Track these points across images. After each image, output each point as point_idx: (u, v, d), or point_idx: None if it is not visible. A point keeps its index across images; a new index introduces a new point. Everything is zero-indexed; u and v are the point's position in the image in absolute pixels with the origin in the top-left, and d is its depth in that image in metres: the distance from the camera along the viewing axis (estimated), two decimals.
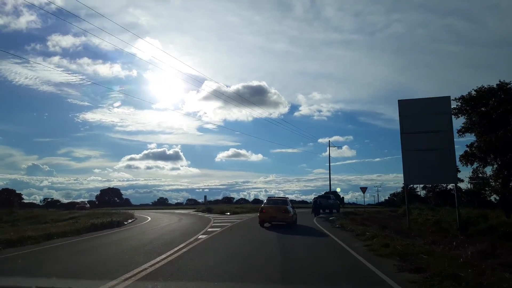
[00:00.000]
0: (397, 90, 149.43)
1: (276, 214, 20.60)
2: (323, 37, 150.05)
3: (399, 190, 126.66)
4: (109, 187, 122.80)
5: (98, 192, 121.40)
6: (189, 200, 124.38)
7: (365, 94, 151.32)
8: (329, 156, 58.15)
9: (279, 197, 25.22)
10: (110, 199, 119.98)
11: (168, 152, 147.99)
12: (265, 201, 22.76)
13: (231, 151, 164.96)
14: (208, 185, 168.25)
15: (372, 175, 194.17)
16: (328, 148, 59.68)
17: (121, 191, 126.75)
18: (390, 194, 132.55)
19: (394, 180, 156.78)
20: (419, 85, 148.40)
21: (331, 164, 58.62)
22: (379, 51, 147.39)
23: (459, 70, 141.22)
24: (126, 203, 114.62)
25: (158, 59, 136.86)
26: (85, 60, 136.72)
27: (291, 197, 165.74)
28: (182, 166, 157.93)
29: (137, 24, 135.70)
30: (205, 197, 35.30)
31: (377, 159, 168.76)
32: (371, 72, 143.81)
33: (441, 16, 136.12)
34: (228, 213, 34.65)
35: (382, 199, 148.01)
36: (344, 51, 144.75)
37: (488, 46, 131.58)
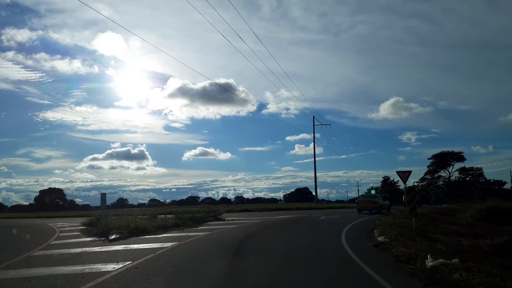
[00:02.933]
0: (362, 89, 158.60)
1: (366, 204, 30.46)
2: (290, 36, 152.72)
3: (376, 184, 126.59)
4: (49, 188, 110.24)
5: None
6: (151, 200, 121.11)
7: (331, 93, 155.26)
8: (314, 152, 48.49)
9: (368, 195, 37.19)
10: (53, 200, 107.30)
11: (133, 152, 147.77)
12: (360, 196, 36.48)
13: (198, 150, 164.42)
14: (175, 185, 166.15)
15: (338, 172, 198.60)
16: (313, 144, 49.91)
17: (82, 192, 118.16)
18: (368, 189, 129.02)
19: (360, 176, 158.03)
20: (383, 85, 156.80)
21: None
22: (344, 51, 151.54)
23: (421, 71, 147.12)
24: (71, 205, 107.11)
25: (122, 57, 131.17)
26: (43, 55, 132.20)
27: (260, 194, 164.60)
28: (148, 165, 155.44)
29: (100, 20, 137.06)
30: (103, 196, 18.37)
31: (343, 156, 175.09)
32: (337, 71, 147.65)
33: (403, 18, 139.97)
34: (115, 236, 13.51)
35: (350, 195, 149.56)
36: (310, 50, 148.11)
37: (448, 47, 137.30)
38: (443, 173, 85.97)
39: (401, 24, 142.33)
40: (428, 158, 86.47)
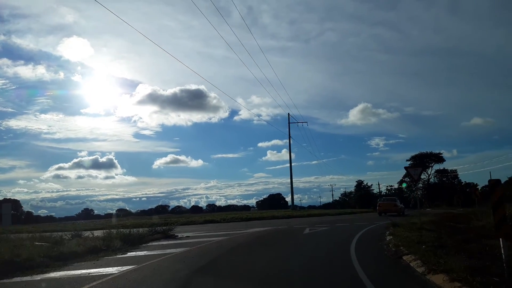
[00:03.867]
0: (332, 95, 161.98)
1: (388, 207, 32.49)
2: (260, 43, 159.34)
3: (349, 189, 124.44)
4: (4, 198, 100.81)
5: None
6: (118, 210, 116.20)
7: (302, 99, 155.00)
8: (290, 151, 43.35)
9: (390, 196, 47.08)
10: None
11: (101, 160, 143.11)
12: (381, 199, 38.04)
13: (169, 158, 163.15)
14: (146, 194, 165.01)
15: (310, 177, 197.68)
16: (289, 143, 44.53)
17: (48, 203, 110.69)
18: (341, 194, 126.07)
19: (331, 181, 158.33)
20: (352, 91, 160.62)
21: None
22: (314, 58, 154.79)
23: (388, 77, 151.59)
24: (28, 217, 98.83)
25: (89, 62, 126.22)
26: (5, 61, 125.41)
27: (232, 202, 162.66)
28: (117, 174, 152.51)
29: (66, 26, 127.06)
30: (6, 207, 12.20)
31: (314, 162, 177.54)
32: (307, 78, 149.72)
33: (370, 26, 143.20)
34: None
35: (323, 200, 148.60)
36: (281, 57, 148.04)
37: (413, 54, 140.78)
38: (422, 175, 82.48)
39: (368, 32, 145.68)
40: (407, 160, 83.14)
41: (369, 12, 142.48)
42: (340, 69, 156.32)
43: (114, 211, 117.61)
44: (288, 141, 48.44)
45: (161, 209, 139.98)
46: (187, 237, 16.48)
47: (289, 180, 46.72)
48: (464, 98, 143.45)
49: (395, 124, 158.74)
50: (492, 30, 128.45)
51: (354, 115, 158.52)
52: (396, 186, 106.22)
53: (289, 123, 49.64)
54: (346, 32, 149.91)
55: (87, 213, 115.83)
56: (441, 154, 79.76)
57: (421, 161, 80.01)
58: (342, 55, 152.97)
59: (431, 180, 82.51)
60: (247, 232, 17.86)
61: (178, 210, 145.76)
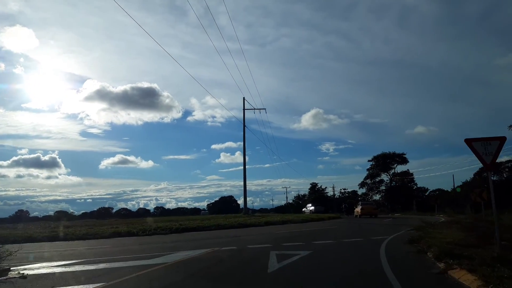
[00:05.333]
0: (285, 100, 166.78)
1: (370, 210, 38.93)
2: (217, 45, 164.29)
3: (302, 192, 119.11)
4: None
5: None
6: (57, 212, 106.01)
7: (257, 102, 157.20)
8: (244, 143, 35.12)
9: (369, 201, 53.33)
10: None
11: (43, 159, 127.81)
12: (360, 204, 43.15)
13: (118, 158, 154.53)
14: (91, 195, 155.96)
15: (262, 180, 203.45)
16: (243, 133, 36.55)
17: None
18: (295, 197, 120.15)
19: (283, 184, 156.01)
20: (305, 97, 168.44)
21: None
22: (270, 62, 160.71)
23: (339, 85, 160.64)
24: None
25: (33, 55, 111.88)
26: None
27: (183, 204, 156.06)
28: (60, 174, 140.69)
29: (9, 14, 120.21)
30: None
31: (267, 165, 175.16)
32: (263, 82, 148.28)
33: (323, 34, 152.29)
34: None
35: (275, 203, 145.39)
36: (237, 60, 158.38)
37: (363, 64, 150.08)
38: (384, 177, 77.17)
39: (322, 40, 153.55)
40: (368, 160, 77.34)
41: (324, 21, 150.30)
42: (294, 74, 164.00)
43: (53, 213, 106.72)
44: (244, 123, 39.72)
45: (104, 212, 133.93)
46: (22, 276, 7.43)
47: (241, 183, 38.35)
48: (409, 108, 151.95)
49: (345, 130, 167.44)
50: (436, 44, 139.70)
51: (306, 120, 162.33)
52: (349, 189, 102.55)
53: (244, 109, 41.22)
54: (300, 39, 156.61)
55: (20, 216, 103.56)
56: (405, 154, 74.52)
57: (384, 161, 74.65)
58: (297, 61, 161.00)
59: (394, 182, 77.03)
60: (156, 265, 8.91)
61: (123, 212, 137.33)
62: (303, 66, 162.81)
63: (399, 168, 76.27)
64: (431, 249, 9.70)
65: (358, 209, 41.85)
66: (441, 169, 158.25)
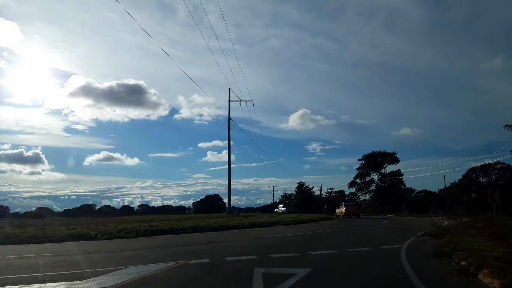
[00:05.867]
0: (273, 100, 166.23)
1: (354, 211, 41.94)
2: (205, 43, 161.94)
3: (290, 191, 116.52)
4: None
5: None
6: (38, 208, 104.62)
7: (245, 103, 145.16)
8: (229, 138, 32.69)
9: (351, 202, 56.01)
10: None
11: (26, 154, 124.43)
12: (344, 204, 45.26)
13: (103, 154, 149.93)
14: (75, 192, 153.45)
15: (249, 179, 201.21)
16: (228, 127, 33.75)
17: None
18: (282, 196, 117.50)
19: (269, 183, 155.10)
20: (292, 97, 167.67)
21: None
22: (258, 62, 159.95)
23: (327, 86, 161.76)
24: None
25: (17, 49, 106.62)
26: None
27: (169, 202, 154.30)
28: (44, 170, 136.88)
29: None
30: None
31: (254, 164, 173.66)
32: (251, 81, 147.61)
33: (312, 35, 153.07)
34: None
35: (261, 202, 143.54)
36: (225, 59, 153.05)
37: (350, 66, 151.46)
38: (375, 177, 74.81)
39: (310, 41, 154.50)
40: (358, 159, 74.88)
41: (312, 23, 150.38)
42: (282, 75, 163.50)
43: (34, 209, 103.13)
44: (229, 116, 36.62)
45: (87, 209, 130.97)
46: None
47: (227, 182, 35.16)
48: (395, 110, 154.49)
49: (331, 131, 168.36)
50: (422, 49, 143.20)
51: (293, 120, 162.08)
52: (336, 189, 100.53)
53: (229, 100, 38.01)
54: (289, 39, 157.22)
55: (2, 211, 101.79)
56: (396, 154, 72.19)
57: (374, 160, 72.32)
58: (285, 61, 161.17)
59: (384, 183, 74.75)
60: None
61: (106, 210, 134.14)
62: (292, 66, 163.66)
63: (390, 168, 74.10)
64: (482, 270, 6.82)
65: (341, 209, 43.38)
66: (430, 170, 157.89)
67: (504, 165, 65.06)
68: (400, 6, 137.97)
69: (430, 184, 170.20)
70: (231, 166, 34.03)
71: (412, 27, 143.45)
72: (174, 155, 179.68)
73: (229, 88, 38.02)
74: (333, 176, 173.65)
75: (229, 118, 37.34)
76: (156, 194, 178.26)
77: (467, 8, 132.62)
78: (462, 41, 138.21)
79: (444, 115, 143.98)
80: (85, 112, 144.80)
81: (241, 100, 38.34)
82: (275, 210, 76.08)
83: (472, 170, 68.86)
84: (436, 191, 79.71)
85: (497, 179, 66.82)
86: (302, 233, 17.68)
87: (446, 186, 68.66)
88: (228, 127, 37.17)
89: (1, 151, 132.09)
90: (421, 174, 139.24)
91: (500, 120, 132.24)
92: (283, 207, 72.39)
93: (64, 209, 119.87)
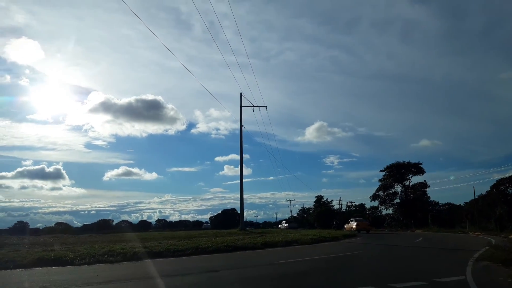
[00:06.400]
0: (289, 113, 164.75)
1: (364, 226, 41.84)
2: (221, 58, 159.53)
3: (308, 205, 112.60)
4: None
5: None
6: (57, 224, 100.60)
7: (260, 115, 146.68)
8: (241, 144, 31.56)
9: (361, 218, 52.38)
10: None
11: (47, 170, 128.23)
12: (354, 219, 45.35)
13: (122, 169, 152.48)
14: (95, 207, 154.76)
15: (266, 193, 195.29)
16: (240, 134, 31.25)
17: None
18: (299, 210, 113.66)
19: (287, 197, 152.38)
20: (308, 110, 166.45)
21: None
22: (273, 75, 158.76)
23: (343, 98, 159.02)
24: None
25: (39, 67, 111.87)
26: None
27: (187, 217, 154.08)
28: (64, 185, 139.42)
29: (16, 27, 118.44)
30: None
31: (271, 178, 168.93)
32: (266, 94, 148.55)
33: (327, 48, 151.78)
34: None
35: (278, 216, 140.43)
36: (241, 73, 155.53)
37: (366, 78, 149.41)
38: (398, 189, 70.27)
39: (325, 54, 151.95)
40: (381, 170, 70.63)
41: (327, 35, 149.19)
42: (298, 88, 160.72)
43: (53, 225, 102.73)
44: (241, 122, 33.73)
45: (104, 224, 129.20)
46: None
47: (245, 196, 32.30)
48: (413, 121, 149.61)
49: (349, 143, 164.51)
50: (439, 59, 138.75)
51: (310, 133, 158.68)
52: (356, 203, 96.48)
53: (241, 106, 35.13)
54: (304, 52, 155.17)
55: (21, 227, 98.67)
56: (421, 164, 67.79)
57: (398, 171, 68.07)
58: (300, 74, 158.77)
59: (410, 195, 70.15)
60: None
61: (124, 225, 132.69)
62: (307, 79, 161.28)
63: (414, 180, 69.59)
64: None
65: (352, 225, 43.70)
66: (451, 182, 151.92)
67: None
68: (415, 17, 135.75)
69: (452, 197, 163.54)
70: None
71: (428, 38, 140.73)
72: (192, 169, 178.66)
73: (241, 93, 35.31)
74: (351, 190, 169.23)
75: (241, 125, 34.49)
76: (174, 209, 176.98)
77: (483, 17, 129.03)
78: (479, 51, 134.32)
79: (464, 126, 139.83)
80: (105, 127, 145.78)
81: (253, 106, 35.48)
82: (279, 226, 78.63)
83: (501, 181, 64.15)
84: (462, 204, 75.03)
85: None
86: (325, 256, 14.41)
87: (473, 198, 64.10)
88: (240, 134, 34.30)
89: (24, 167, 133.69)
90: (441, 187, 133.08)
91: None
92: (285, 223, 75.22)
93: (83, 224, 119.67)
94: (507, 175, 65.65)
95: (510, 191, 64.93)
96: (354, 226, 42.27)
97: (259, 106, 35.81)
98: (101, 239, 25.38)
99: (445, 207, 77.39)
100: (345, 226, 47.96)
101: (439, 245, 19.56)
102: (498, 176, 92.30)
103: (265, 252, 16.26)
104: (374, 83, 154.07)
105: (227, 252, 15.88)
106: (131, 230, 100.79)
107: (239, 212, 32.87)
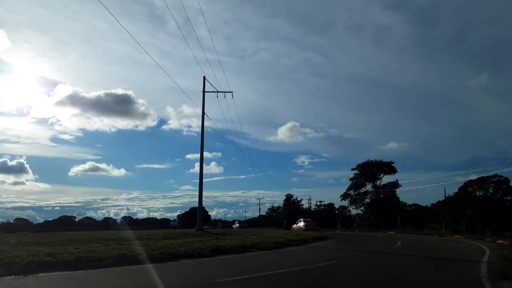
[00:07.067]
0: (262, 112, 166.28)
1: (312, 226, 43.30)
2: (195, 55, 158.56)
3: (277, 204, 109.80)
4: None
5: None
6: (17, 219, 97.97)
7: (234, 113, 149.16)
8: (202, 136, 27.68)
9: (309, 218, 52.36)
10: None
11: (10, 164, 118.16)
12: (303, 220, 47.41)
13: (88, 165, 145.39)
14: (59, 203, 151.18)
15: (237, 192, 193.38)
16: (202, 123, 28.69)
17: None
18: (268, 209, 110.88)
19: (257, 196, 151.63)
20: (281, 110, 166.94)
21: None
22: (248, 75, 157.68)
23: (315, 99, 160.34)
24: None
25: (4, 57, 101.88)
26: None
27: (155, 214, 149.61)
28: (28, 180, 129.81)
29: None
30: None
31: (242, 176, 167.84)
32: (241, 93, 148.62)
33: (302, 49, 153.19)
34: None
35: (248, 215, 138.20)
36: (215, 71, 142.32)
37: (339, 80, 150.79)
38: (370, 188, 68.13)
39: (299, 55, 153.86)
40: (352, 169, 68.29)
41: (302, 36, 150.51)
42: (272, 87, 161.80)
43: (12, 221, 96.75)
44: (203, 107, 29.85)
45: (66, 220, 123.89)
46: None
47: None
48: (383, 124, 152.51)
49: (320, 144, 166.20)
50: (409, 64, 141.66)
51: (282, 133, 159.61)
52: (325, 202, 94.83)
53: (203, 91, 31.26)
54: (279, 53, 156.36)
55: None
56: (393, 163, 65.93)
57: (370, 170, 65.93)
58: (275, 74, 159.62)
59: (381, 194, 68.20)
60: None
61: (87, 222, 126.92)
62: (281, 79, 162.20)
63: (386, 179, 67.75)
64: None
65: (300, 225, 45.83)
66: (416, 184, 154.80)
67: (501, 178, 59.81)
68: (387, 22, 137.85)
69: (417, 198, 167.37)
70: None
71: (399, 43, 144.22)
72: (162, 166, 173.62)
73: (204, 77, 31.32)
74: (321, 189, 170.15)
75: (203, 112, 30.58)
76: (143, 206, 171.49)
77: (453, 24, 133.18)
78: (448, 58, 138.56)
79: (431, 130, 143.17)
80: (72, 121, 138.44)
81: (218, 91, 31.64)
82: (233, 226, 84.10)
83: (469, 183, 63.57)
84: (429, 205, 74.29)
85: (495, 193, 62.07)
86: (290, 269, 10.89)
87: (440, 200, 63.34)
88: (201, 121, 30.46)
89: None
90: (407, 188, 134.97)
91: (485, 136, 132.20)
92: (237, 223, 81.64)
93: (44, 221, 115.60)
94: (470, 178, 65.64)
95: (478, 193, 64.50)
96: (302, 227, 44.10)
97: (224, 92, 31.99)
98: (55, 237, 21.05)
99: (411, 207, 76.38)
100: (293, 226, 49.41)
101: (425, 253, 16.49)
102: (461, 179, 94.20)
103: (212, 261, 12.56)
104: (347, 86, 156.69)
105: (163, 262, 12.05)
106: (94, 227, 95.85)
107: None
